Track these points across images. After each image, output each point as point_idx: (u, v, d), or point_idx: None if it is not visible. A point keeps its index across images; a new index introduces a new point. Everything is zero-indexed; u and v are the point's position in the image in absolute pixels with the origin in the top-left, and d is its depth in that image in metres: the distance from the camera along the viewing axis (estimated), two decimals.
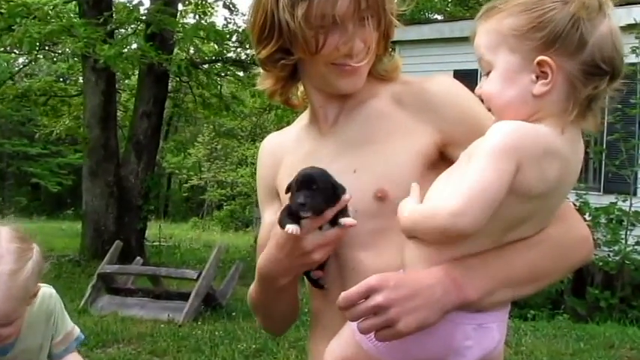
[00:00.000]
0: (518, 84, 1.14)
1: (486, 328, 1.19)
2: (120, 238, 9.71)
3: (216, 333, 6.78)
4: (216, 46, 15.20)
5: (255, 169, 1.57)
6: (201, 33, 12.77)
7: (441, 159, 1.31)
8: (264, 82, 1.44)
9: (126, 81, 17.72)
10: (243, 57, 14.79)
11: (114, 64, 10.20)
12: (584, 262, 1.31)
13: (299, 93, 1.49)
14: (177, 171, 32.24)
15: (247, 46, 13.64)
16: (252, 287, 1.45)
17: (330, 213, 1.24)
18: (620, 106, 7.85)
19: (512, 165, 1.08)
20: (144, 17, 12.17)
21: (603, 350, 6.27)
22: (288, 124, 1.63)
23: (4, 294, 1.58)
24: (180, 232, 21.14)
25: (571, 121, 1.13)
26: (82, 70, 13.89)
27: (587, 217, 8.19)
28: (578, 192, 8.32)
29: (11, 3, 10.64)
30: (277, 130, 1.84)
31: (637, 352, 6.25)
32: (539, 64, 1.12)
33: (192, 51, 14.76)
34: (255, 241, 1.56)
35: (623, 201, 8.47)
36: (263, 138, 1.67)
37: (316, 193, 1.23)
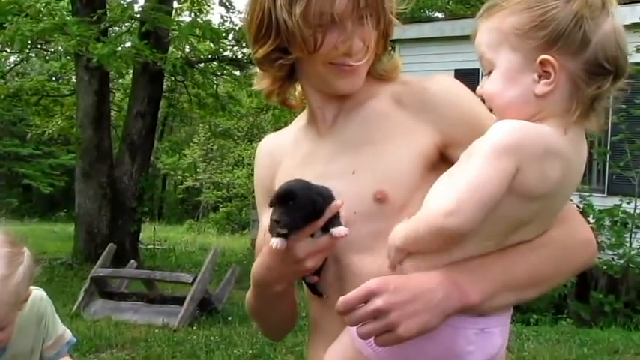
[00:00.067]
0: (520, 83, 1.14)
1: (488, 333, 1.19)
2: (113, 241, 9.70)
3: (212, 338, 6.77)
4: (212, 45, 15.22)
5: (252, 171, 1.57)
6: (197, 31, 12.78)
7: (442, 160, 1.31)
8: (260, 82, 1.44)
9: (120, 80, 17.75)
10: (240, 56, 14.79)
11: (107, 62, 10.19)
12: (588, 266, 1.31)
13: (296, 93, 1.49)
14: (172, 172, 32.21)
15: (244, 45, 13.64)
16: (249, 293, 1.45)
17: (320, 222, 1.23)
18: (624, 106, 7.86)
19: (511, 164, 1.09)
20: (138, 15, 12.17)
21: (607, 355, 6.28)
22: (286, 124, 1.64)
23: None
24: (175, 234, 21.12)
25: (574, 122, 1.13)
26: (74, 69, 13.88)
27: (590, 219, 8.20)
28: (582, 194, 8.34)
29: (2, 0, 10.63)
30: (274, 130, 1.84)
31: None
32: (542, 63, 1.12)
33: (187, 49, 14.78)
34: (252, 244, 1.57)
35: (628, 203, 8.49)
36: (260, 139, 1.67)
37: (294, 209, 1.21)
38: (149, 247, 14.98)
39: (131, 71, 13.78)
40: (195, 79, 14.58)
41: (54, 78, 22.32)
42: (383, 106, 1.37)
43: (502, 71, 1.16)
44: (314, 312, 1.43)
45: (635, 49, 6.30)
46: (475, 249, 1.17)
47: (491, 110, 1.19)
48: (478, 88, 1.21)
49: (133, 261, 9.23)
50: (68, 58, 14.70)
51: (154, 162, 23.44)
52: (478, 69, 1.21)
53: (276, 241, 1.24)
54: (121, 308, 7.86)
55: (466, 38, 1.23)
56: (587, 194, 8.41)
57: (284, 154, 1.48)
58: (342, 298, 1.16)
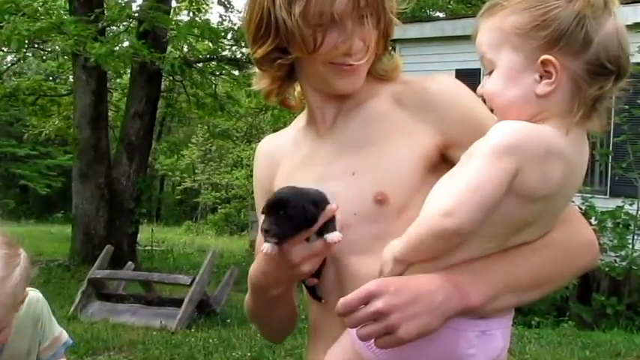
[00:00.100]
0: (521, 83, 1.14)
1: (490, 336, 1.19)
2: (111, 243, 9.70)
3: (211, 340, 6.77)
4: (210, 44, 15.22)
5: (251, 171, 1.57)
6: (196, 30, 12.78)
7: (443, 161, 1.31)
8: (259, 82, 1.43)
9: (117, 80, 17.73)
10: (239, 55, 14.79)
11: (105, 62, 10.20)
12: (590, 268, 1.31)
13: (296, 93, 1.49)
14: (170, 173, 32.22)
15: (243, 45, 13.65)
16: (247, 295, 1.45)
17: (313, 228, 1.23)
18: (627, 106, 7.87)
19: (511, 165, 1.09)
20: (136, 14, 12.18)
21: (609, 358, 6.28)
22: (285, 124, 1.64)
23: None
24: (173, 236, 21.13)
25: (576, 122, 1.13)
26: (72, 68, 13.89)
27: (593, 221, 8.20)
28: (584, 195, 8.34)
29: None
30: (274, 131, 1.84)
31: None
32: (543, 63, 1.12)
33: (186, 49, 14.79)
34: (251, 246, 1.57)
35: (630, 205, 8.49)
36: (259, 139, 1.67)
37: (285, 218, 1.21)
38: (147, 248, 15.00)
39: (129, 71, 13.78)
40: (194, 78, 14.58)
41: (51, 78, 22.33)
42: (383, 106, 1.37)
43: (503, 71, 1.16)
44: (313, 314, 1.43)
45: (637, 49, 6.30)
46: (476, 251, 1.17)
47: (492, 110, 1.19)
48: (479, 88, 1.21)
49: (130, 263, 9.23)
50: (65, 57, 14.71)
51: (152, 163, 23.45)
52: (479, 69, 1.21)
53: (266, 246, 1.25)
54: (119, 310, 7.86)
55: (467, 38, 1.23)
56: (590, 196, 8.41)
57: (283, 155, 1.48)
58: (341, 300, 1.16)
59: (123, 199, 12.80)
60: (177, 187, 33.98)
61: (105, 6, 12.49)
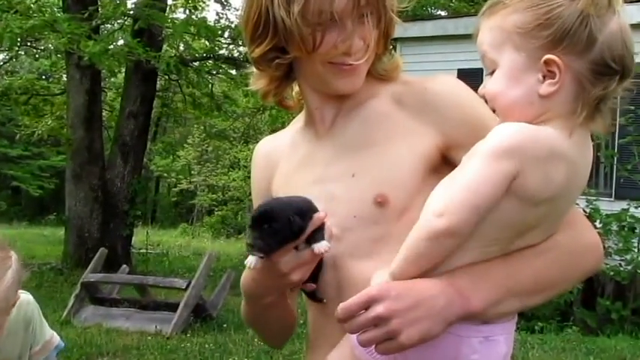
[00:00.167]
0: (523, 84, 1.14)
1: (493, 341, 1.19)
2: (105, 245, 9.70)
3: (207, 346, 6.77)
4: (207, 43, 15.25)
5: (248, 173, 1.57)
6: (192, 29, 12.81)
7: (444, 162, 1.31)
8: (257, 81, 1.43)
9: (112, 79, 17.76)
10: (236, 54, 14.82)
11: (99, 61, 10.20)
12: (594, 271, 1.31)
13: (294, 93, 1.49)
14: (165, 174, 32.21)
15: (240, 43, 13.66)
16: (242, 302, 1.46)
17: (301, 239, 1.23)
18: (632, 107, 7.88)
19: (510, 166, 1.09)
20: (131, 12, 12.19)
21: None
22: (283, 125, 1.65)
23: None
24: (168, 238, 21.13)
25: (579, 123, 1.13)
26: (65, 67, 13.90)
27: (597, 224, 8.20)
28: (589, 198, 8.34)
29: None
30: (271, 131, 1.84)
31: None
32: (546, 63, 1.12)
33: (182, 48, 14.81)
34: None
35: (636, 207, 8.49)
36: (256, 140, 1.68)
37: (269, 232, 1.21)
38: (142, 251, 14.99)
39: (123, 70, 13.79)
40: (190, 78, 14.59)
41: (44, 76, 22.33)
42: (383, 106, 1.37)
43: (505, 71, 1.16)
44: (312, 319, 1.42)
45: None
46: (479, 255, 1.17)
47: (494, 111, 1.19)
48: (480, 88, 1.21)
49: (125, 266, 9.23)
50: (58, 56, 14.70)
51: (147, 164, 23.45)
52: (482, 69, 1.21)
53: (251, 260, 1.26)
54: (113, 315, 7.86)
55: (469, 37, 1.23)
56: (594, 198, 8.42)
57: (281, 157, 1.48)
58: (341, 305, 1.16)
59: (117, 200, 12.80)
60: (173, 189, 33.97)
61: (99, 3, 12.49)
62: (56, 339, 1.92)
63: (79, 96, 12.47)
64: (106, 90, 17.65)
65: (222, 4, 17.29)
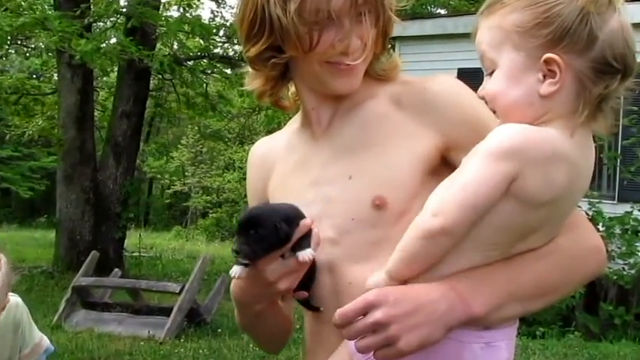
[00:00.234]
0: (523, 83, 1.14)
1: (494, 347, 1.19)
2: (97, 249, 9.68)
3: (201, 351, 6.77)
4: (201, 42, 15.24)
5: (244, 174, 1.58)
6: (186, 27, 12.78)
7: (444, 164, 1.31)
8: (252, 81, 1.43)
9: (104, 78, 17.73)
10: (231, 53, 14.81)
11: (91, 60, 10.19)
12: (597, 275, 1.31)
13: (290, 94, 1.48)
14: (159, 176, 32.18)
15: (235, 42, 13.68)
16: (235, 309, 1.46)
17: (286, 247, 1.24)
18: (635, 108, 7.89)
19: (509, 168, 1.09)
20: (124, 10, 12.19)
21: None
22: (279, 125, 1.65)
23: None
24: (162, 241, 21.10)
25: (581, 123, 1.13)
26: (56, 66, 13.87)
27: (600, 227, 8.20)
28: (591, 200, 8.34)
29: None
30: (267, 132, 1.84)
31: None
32: (546, 62, 1.12)
33: (175, 46, 14.78)
34: None
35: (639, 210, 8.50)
36: (252, 140, 1.68)
37: (255, 238, 1.22)
38: (134, 254, 14.97)
39: (116, 69, 13.78)
40: (184, 77, 14.58)
41: (34, 76, 22.28)
42: (381, 107, 1.37)
43: (504, 71, 1.16)
44: (309, 324, 1.42)
45: None
46: (480, 258, 1.17)
47: (494, 112, 1.19)
48: (480, 89, 1.21)
49: (117, 269, 9.20)
50: (50, 54, 14.68)
51: (140, 165, 23.41)
52: (482, 68, 1.22)
53: (235, 270, 1.27)
54: (105, 319, 7.85)
55: (470, 36, 1.23)
56: (597, 201, 8.42)
57: (277, 159, 1.48)
58: (339, 311, 1.16)
59: (109, 202, 12.78)
60: (167, 191, 33.92)
61: (91, 1, 12.48)
62: (46, 342, 1.92)
63: (71, 95, 12.46)
64: (98, 89, 17.64)
65: (217, 2, 17.32)
